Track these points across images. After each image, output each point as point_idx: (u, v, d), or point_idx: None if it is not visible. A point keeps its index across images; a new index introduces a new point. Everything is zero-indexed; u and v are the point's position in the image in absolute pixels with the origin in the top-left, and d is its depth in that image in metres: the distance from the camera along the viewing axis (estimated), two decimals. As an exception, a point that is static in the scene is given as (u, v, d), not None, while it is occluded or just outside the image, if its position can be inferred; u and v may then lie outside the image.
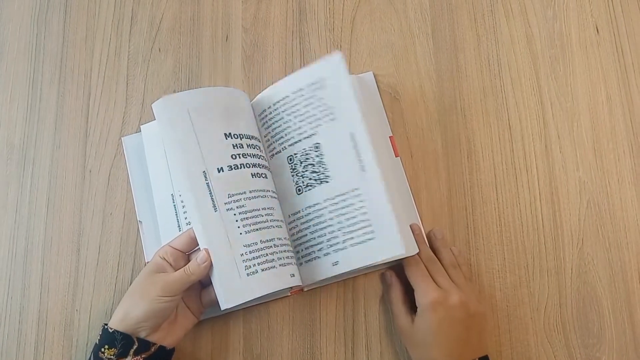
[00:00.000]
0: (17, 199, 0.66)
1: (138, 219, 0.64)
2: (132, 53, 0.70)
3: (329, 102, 0.58)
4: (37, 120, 0.68)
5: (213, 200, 0.54)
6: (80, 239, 0.64)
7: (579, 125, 0.63)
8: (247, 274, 0.53)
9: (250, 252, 0.54)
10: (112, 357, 0.52)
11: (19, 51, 0.71)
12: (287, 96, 0.60)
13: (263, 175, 0.58)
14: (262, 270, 0.54)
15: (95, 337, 0.60)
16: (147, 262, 0.62)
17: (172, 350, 0.55)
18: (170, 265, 0.54)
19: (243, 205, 0.55)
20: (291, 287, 0.58)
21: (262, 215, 0.56)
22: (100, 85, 0.69)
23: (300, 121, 0.59)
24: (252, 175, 0.57)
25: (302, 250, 0.58)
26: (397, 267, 0.60)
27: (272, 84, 0.61)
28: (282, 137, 0.60)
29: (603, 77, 0.65)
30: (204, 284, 0.57)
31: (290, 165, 0.59)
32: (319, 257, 0.57)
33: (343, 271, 0.56)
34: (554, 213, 0.62)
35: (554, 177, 0.62)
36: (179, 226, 0.60)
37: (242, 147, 0.58)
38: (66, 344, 0.61)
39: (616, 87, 0.64)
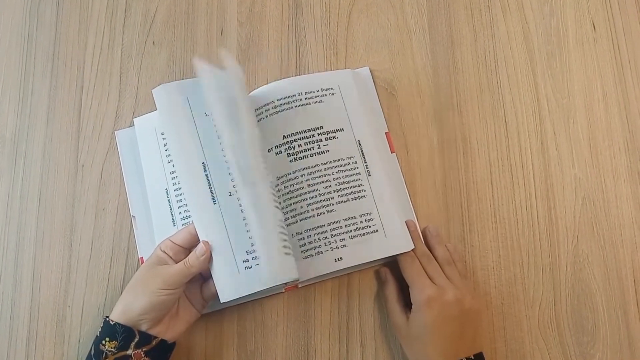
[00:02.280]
0: (8, 193, 0.65)
1: (131, 214, 0.63)
2: (125, 46, 0.69)
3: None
4: (29, 113, 0.67)
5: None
6: (73, 234, 0.64)
7: (575, 122, 0.63)
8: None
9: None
10: (113, 349, 0.51)
11: (10, 43, 0.70)
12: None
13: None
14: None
15: (87, 333, 0.60)
16: (141, 257, 0.61)
17: (173, 344, 0.55)
18: (171, 258, 0.54)
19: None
20: (286, 283, 0.57)
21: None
22: (93, 79, 0.68)
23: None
24: None
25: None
26: (392, 264, 0.59)
27: (267, 79, 0.61)
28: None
29: (599, 74, 0.64)
30: (205, 277, 0.56)
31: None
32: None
33: (343, 267, 0.57)
34: (549, 210, 0.61)
35: (550, 174, 0.62)
36: (173, 221, 0.60)
37: None
38: (58, 340, 0.61)
39: (612, 84, 0.64)
